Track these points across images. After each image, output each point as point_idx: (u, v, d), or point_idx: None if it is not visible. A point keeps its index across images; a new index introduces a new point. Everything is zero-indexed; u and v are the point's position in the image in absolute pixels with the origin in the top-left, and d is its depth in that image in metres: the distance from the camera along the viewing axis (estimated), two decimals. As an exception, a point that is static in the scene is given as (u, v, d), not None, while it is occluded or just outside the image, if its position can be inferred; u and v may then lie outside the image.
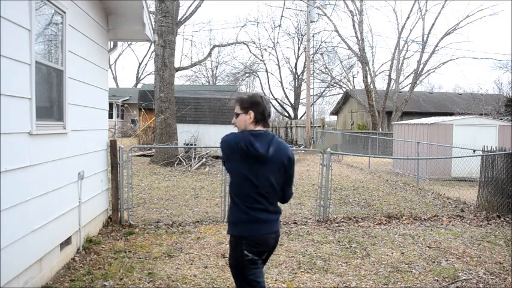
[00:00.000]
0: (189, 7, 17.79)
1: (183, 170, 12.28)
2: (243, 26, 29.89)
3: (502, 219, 7.06)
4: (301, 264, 4.64)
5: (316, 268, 4.54)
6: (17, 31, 3.30)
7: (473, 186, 9.76)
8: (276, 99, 36.81)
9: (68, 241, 4.51)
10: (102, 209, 5.93)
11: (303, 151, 19.19)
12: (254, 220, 2.51)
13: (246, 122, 2.59)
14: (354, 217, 6.94)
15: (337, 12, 64.19)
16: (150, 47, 39.09)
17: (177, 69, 15.76)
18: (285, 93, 36.67)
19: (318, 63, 31.84)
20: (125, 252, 4.86)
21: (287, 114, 36.56)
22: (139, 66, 45.98)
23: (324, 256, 4.95)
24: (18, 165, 3.34)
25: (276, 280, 4.19)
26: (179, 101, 16.74)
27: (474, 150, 9.55)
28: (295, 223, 6.47)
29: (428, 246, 5.44)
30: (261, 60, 34.25)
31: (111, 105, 28.13)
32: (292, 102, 36.42)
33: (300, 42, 34.73)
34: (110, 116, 27.29)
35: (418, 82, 25.82)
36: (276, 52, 46.95)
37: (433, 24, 28.00)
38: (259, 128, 2.60)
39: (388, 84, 25.80)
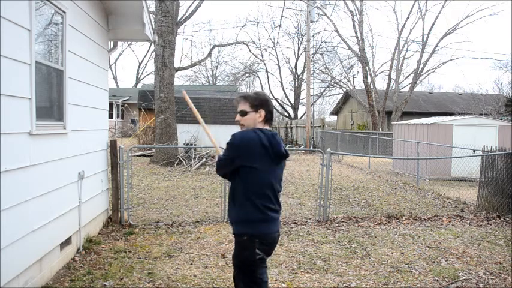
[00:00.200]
0: (189, 7, 17.80)
1: (183, 170, 12.28)
2: (243, 26, 29.93)
3: (502, 219, 7.06)
4: (301, 264, 4.64)
5: (316, 268, 4.54)
6: (17, 31, 3.30)
7: (473, 186, 9.76)
8: (276, 99, 36.79)
9: (68, 241, 4.51)
10: (102, 209, 5.93)
11: (303, 151, 19.20)
12: (269, 219, 2.53)
13: (255, 121, 2.58)
14: (354, 217, 6.94)
15: (337, 12, 64.28)
16: (150, 47, 39.12)
17: (177, 69, 15.77)
18: (285, 93, 36.70)
19: (318, 63, 31.88)
20: (125, 252, 4.86)
21: (287, 114, 36.57)
22: (139, 66, 46.02)
23: (324, 256, 4.95)
24: (18, 165, 3.34)
25: (276, 280, 4.19)
26: (179, 101, 16.71)
27: (474, 150, 9.55)
28: (295, 223, 6.47)
29: (428, 246, 5.44)
30: (261, 60, 34.28)
31: (111, 105, 28.14)
32: (292, 102, 36.42)
33: (300, 42, 34.76)
34: (110, 116, 27.30)
35: (418, 82, 25.84)
36: (276, 52, 47.00)
37: (433, 24, 28.05)
38: (267, 127, 2.61)
39: (388, 84, 25.81)
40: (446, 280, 4.29)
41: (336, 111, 36.72)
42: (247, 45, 22.50)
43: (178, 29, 16.77)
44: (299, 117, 35.23)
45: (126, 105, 27.74)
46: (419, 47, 24.73)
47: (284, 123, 31.48)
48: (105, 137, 6.08)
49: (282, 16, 34.65)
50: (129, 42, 37.65)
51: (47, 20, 4.04)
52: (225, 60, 40.71)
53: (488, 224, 6.80)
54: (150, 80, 40.97)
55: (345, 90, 31.73)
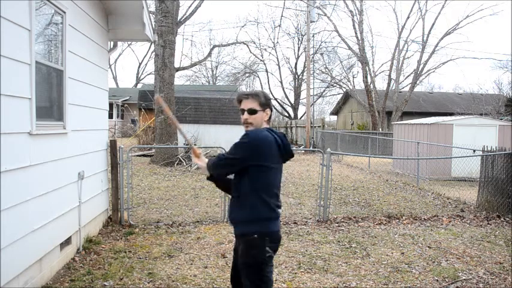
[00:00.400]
0: (189, 7, 17.78)
1: (183, 170, 12.28)
2: (243, 26, 29.91)
3: (502, 219, 7.06)
4: (301, 264, 4.64)
5: (316, 268, 4.54)
6: (17, 31, 3.30)
7: (473, 186, 9.76)
8: (276, 99, 36.79)
9: (68, 241, 4.51)
10: (102, 209, 5.93)
11: (303, 151, 19.20)
12: (277, 217, 2.58)
13: (262, 120, 2.58)
14: (354, 217, 6.94)
15: (337, 12, 64.24)
16: (150, 47, 39.10)
17: (177, 69, 15.76)
18: (285, 93, 36.70)
19: (318, 63, 31.87)
20: (125, 252, 4.86)
21: (287, 114, 36.57)
22: (139, 66, 46.00)
23: (324, 256, 4.95)
24: (18, 165, 3.34)
25: (276, 280, 4.18)
26: (179, 101, 16.73)
27: (474, 150, 9.55)
28: (295, 223, 6.47)
29: (428, 246, 5.44)
30: (261, 60, 34.26)
31: (111, 105, 28.14)
32: (292, 102, 36.42)
33: (300, 42, 34.74)
34: (110, 116, 27.29)
35: (418, 82, 25.84)
36: (276, 52, 46.96)
37: (433, 24, 28.01)
38: (268, 126, 2.62)
39: (388, 84, 25.81)
40: (446, 280, 4.30)
41: (336, 111, 36.72)
42: (247, 45, 22.49)
43: (178, 29, 16.76)
44: (299, 117, 35.23)
45: (126, 105, 27.74)
46: (419, 47, 24.76)
47: (284, 123, 31.48)
48: (105, 137, 6.08)
49: (282, 16, 34.62)
50: (129, 42, 37.66)
51: (47, 20, 4.04)
52: (225, 60, 40.74)
53: (488, 224, 6.80)
54: (150, 80, 40.99)
55: (345, 90, 31.74)
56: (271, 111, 2.64)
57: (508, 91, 30.75)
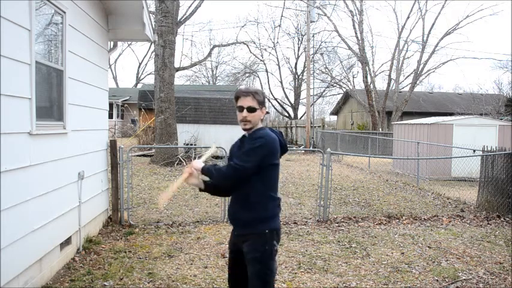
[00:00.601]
0: (189, 7, 17.81)
1: (183, 170, 12.26)
2: (243, 26, 29.99)
3: (502, 219, 7.06)
4: (301, 264, 4.64)
5: (316, 268, 4.54)
6: (17, 31, 3.30)
7: (473, 186, 9.76)
8: (276, 99, 36.84)
9: (68, 241, 4.51)
10: (102, 209, 5.93)
11: (303, 151, 19.20)
12: (279, 212, 2.66)
13: (259, 118, 2.59)
14: (354, 217, 6.94)
15: (337, 12, 64.17)
16: (150, 47, 39.08)
17: (177, 69, 15.78)
18: (285, 93, 36.71)
19: (318, 63, 31.88)
20: (125, 252, 4.86)
21: (287, 114, 36.57)
22: (139, 66, 45.98)
23: (324, 256, 4.95)
24: (18, 165, 3.34)
25: (276, 280, 4.17)
26: (179, 101, 16.70)
27: (474, 150, 9.55)
28: (295, 223, 6.47)
29: (428, 246, 5.44)
30: (261, 60, 34.30)
31: (111, 105, 28.14)
32: (292, 102, 36.43)
33: (300, 42, 34.76)
34: (110, 116, 27.30)
35: (418, 82, 25.84)
36: (276, 52, 47.01)
37: (433, 24, 27.99)
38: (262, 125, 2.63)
39: (388, 84, 25.81)
40: (446, 280, 4.29)
41: (336, 111, 36.72)
42: (247, 45, 22.55)
43: (178, 29, 16.78)
44: (299, 117, 35.23)
45: (126, 105, 27.72)
46: (419, 47, 24.76)
47: (284, 123, 31.49)
48: (105, 137, 6.08)
49: (282, 16, 34.65)
50: (129, 42, 37.65)
51: (47, 20, 4.04)
52: (225, 60, 40.78)
53: (488, 224, 6.80)
54: (150, 80, 40.98)
55: (345, 90, 31.74)
56: (265, 108, 2.66)
57: (508, 91, 30.77)
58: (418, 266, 4.70)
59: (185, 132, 16.70)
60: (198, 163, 2.60)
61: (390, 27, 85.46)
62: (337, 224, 6.51)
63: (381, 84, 44.13)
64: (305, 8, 22.43)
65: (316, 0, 23.19)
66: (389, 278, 4.34)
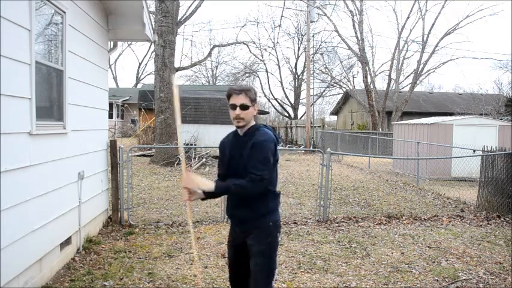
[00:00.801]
0: (189, 7, 17.81)
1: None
2: (243, 26, 30.04)
3: (502, 219, 7.06)
4: (301, 264, 4.64)
5: (316, 268, 4.54)
6: (17, 31, 3.30)
7: (473, 186, 9.76)
8: (276, 99, 36.84)
9: (68, 241, 4.51)
10: (102, 209, 5.93)
11: (303, 151, 19.20)
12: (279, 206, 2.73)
13: (252, 116, 2.58)
14: (354, 217, 6.94)
15: (337, 12, 64.16)
16: (150, 47, 39.10)
17: (177, 69, 15.78)
18: (285, 93, 36.71)
19: (318, 63, 31.88)
20: (125, 252, 4.86)
21: (287, 114, 36.58)
22: (139, 66, 46.01)
23: (324, 256, 4.95)
24: (18, 165, 3.34)
25: (275, 280, 4.17)
26: (179, 101, 16.72)
27: (474, 150, 9.55)
28: (295, 223, 6.47)
29: (428, 246, 5.44)
30: (261, 60, 34.32)
31: (111, 105, 28.13)
32: (292, 102, 36.43)
33: (300, 42, 34.77)
34: (110, 116, 27.28)
35: (418, 82, 25.84)
36: (276, 52, 47.03)
37: (433, 24, 28.02)
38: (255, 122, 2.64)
39: (388, 84, 25.81)
40: (446, 280, 4.29)
41: (336, 111, 36.71)
42: (247, 45, 22.57)
43: (178, 29, 16.79)
44: (299, 117, 35.24)
45: (126, 105, 27.73)
46: (419, 47, 24.76)
47: (284, 123, 31.48)
48: (105, 137, 6.08)
49: (282, 16, 34.69)
50: (129, 42, 37.66)
51: (47, 20, 4.04)
52: (225, 60, 40.89)
53: (488, 224, 6.80)
54: (150, 80, 41.00)
55: (345, 90, 31.74)
56: (257, 105, 2.68)
57: (508, 91, 30.77)
58: (418, 266, 4.70)
59: (185, 132, 16.70)
60: (203, 185, 2.45)
61: (390, 27, 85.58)
62: (337, 224, 6.51)
63: (381, 84, 44.18)
64: (305, 8, 22.43)
65: (316, 0, 23.19)
66: (389, 278, 4.34)
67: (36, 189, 3.68)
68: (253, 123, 2.61)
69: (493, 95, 28.94)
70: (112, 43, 6.55)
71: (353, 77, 30.15)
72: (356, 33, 24.53)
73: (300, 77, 35.31)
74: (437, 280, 4.29)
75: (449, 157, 10.84)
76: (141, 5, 5.83)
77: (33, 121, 3.54)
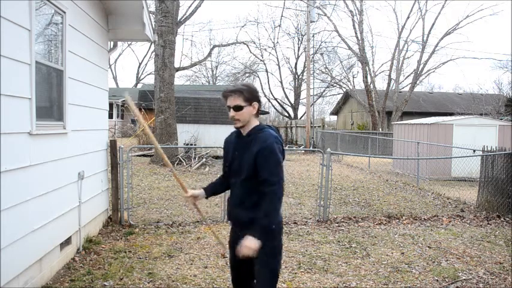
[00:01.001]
0: (189, 7, 17.82)
1: (183, 170, 12.28)
2: (243, 26, 30.06)
3: (502, 219, 7.06)
4: (301, 264, 4.64)
5: (316, 268, 4.54)
6: (17, 31, 3.30)
7: (473, 186, 9.76)
8: (276, 99, 36.85)
9: (68, 241, 4.51)
10: (102, 209, 5.93)
11: (303, 151, 19.20)
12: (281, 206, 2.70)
13: (250, 115, 2.53)
14: (354, 217, 6.94)
15: (337, 12, 64.18)
16: (150, 47, 39.10)
17: (177, 69, 15.79)
18: (285, 93, 36.72)
19: (318, 63, 31.89)
20: (125, 252, 4.86)
21: (287, 114, 36.58)
22: (139, 66, 45.99)
23: (324, 256, 4.95)
24: (18, 165, 3.34)
25: (276, 280, 4.18)
26: (179, 101, 16.71)
27: (474, 150, 9.55)
28: (295, 223, 6.47)
29: (428, 246, 5.44)
30: (261, 60, 34.33)
31: (111, 105, 28.12)
32: (292, 102, 36.43)
33: (300, 42, 34.77)
34: (110, 116, 27.27)
35: (418, 82, 25.85)
36: (276, 52, 47.07)
37: (433, 24, 28.05)
38: (258, 121, 2.60)
39: (388, 84, 25.82)
40: (446, 280, 4.30)
41: (336, 111, 36.72)
42: (247, 45, 22.59)
43: (178, 29, 16.79)
44: (299, 117, 35.25)
45: (126, 105, 27.72)
46: (419, 47, 24.77)
47: (284, 123, 31.48)
48: (105, 137, 6.08)
49: (282, 16, 34.72)
50: (129, 42, 37.66)
51: (47, 20, 4.04)
52: (225, 60, 40.88)
53: (488, 224, 6.80)
54: (150, 80, 41.00)
55: (345, 90, 31.75)
56: (260, 103, 2.59)
57: (508, 91, 30.77)
58: (418, 266, 4.70)
59: (185, 132, 16.71)
60: (256, 244, 2.39)
61: (390, 27, 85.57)
62: (337, 224, 6.51)
63: (381, 84, 44.18)
64: (305, 8, 22.43)
65: (316, 0, 23.19)
66: (389, 278, 4.34)
67: (36, 189, 3.68)
68: (256, 123, 2.57)
69: (493, 95, 28.94)
70: (112, 43, 6.54)
71: (353, 77, 30.19)
72: (356, 33, 24.55)
73: (300, 77, 35.32)
74: (437, 280, 4.29)
75: (449, 157, 10.84)
76: (141, 5, 5.83)
77: (33, 121, 3.54)
